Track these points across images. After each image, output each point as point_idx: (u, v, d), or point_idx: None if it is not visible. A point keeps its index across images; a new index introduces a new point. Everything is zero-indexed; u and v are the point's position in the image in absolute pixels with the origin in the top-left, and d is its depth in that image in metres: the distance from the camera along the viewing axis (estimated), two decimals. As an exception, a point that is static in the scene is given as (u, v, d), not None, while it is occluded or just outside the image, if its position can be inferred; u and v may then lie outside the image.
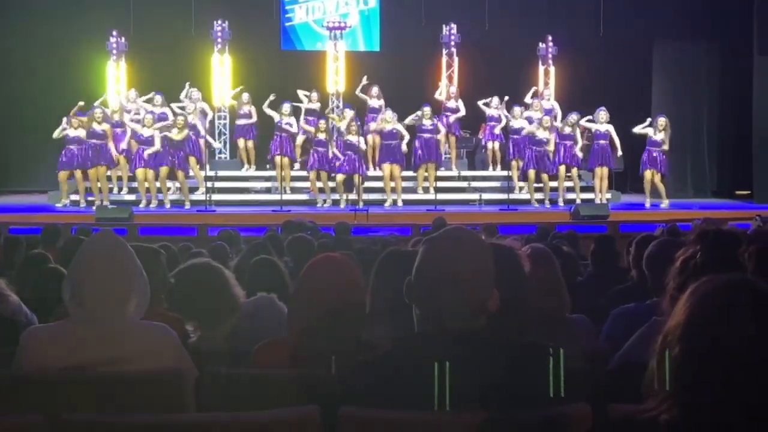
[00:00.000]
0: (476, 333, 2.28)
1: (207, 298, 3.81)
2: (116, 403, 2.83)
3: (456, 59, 18.01)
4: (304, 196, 16.15)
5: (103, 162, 15.41)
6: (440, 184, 16.00)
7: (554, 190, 16.36)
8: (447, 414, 2.20)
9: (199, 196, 15.73)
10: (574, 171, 16.09)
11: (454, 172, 16.94)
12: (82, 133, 15.36)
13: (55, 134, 15.41)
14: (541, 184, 16.12)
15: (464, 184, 16.83)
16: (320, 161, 15.70)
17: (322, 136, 15.73)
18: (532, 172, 15.86)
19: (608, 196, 16.30)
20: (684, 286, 1.97)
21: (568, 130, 16.03)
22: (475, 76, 17.78)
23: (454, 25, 18.01)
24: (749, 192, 17.97)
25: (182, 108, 16.01)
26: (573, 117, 16.17)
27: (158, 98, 16.27)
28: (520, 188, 16.38)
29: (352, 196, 15.81)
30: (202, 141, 16.14)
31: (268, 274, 4.61)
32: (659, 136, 15.63)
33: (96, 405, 2.75)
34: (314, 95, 16.76)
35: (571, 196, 16.25)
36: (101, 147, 15.36)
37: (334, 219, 11.80)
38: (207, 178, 15.64)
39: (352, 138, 15.66)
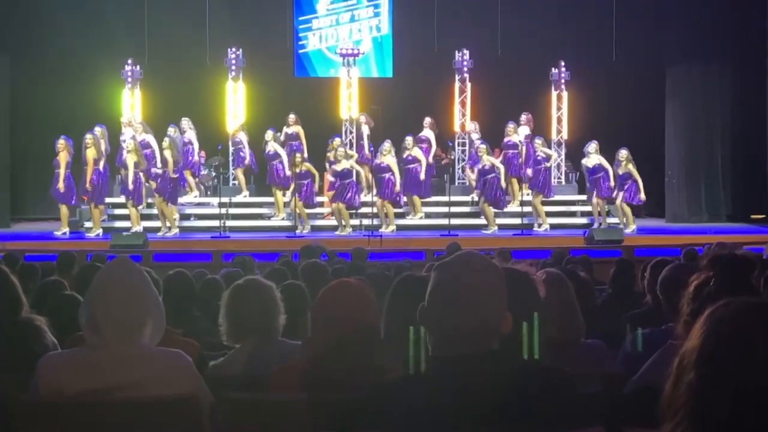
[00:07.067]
0: (490, 357, 2.28)
1: (269, 313, 3.81)
2: (132, 429, 2.83)
3: (469, 85, 18.06)
4: (318, 222, 16.16)
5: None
6: (454, 209, 15.99)
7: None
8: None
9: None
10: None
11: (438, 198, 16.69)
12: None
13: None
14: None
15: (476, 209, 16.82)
16: (306, 195, 15.49)
17: (298, 170, 15.44)
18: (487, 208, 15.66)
19: (614, 220, 16.13)
20: (698, 312, 1.96)
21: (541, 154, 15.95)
22: (488, 101, 17.84)
23: (466, 51, 18.05)
24: (765, 216, 17.89)
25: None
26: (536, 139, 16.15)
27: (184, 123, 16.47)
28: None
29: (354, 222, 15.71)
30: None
31: (296, 300, 4.61)
32: (622, 170, 15.46)
33: (112, 431, 2.75)
34: (291, 117, 16.68)
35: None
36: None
37: (349, 245, 11.79)
38: (221, 205, 15.68)
39: (338, 167, 15.41)
